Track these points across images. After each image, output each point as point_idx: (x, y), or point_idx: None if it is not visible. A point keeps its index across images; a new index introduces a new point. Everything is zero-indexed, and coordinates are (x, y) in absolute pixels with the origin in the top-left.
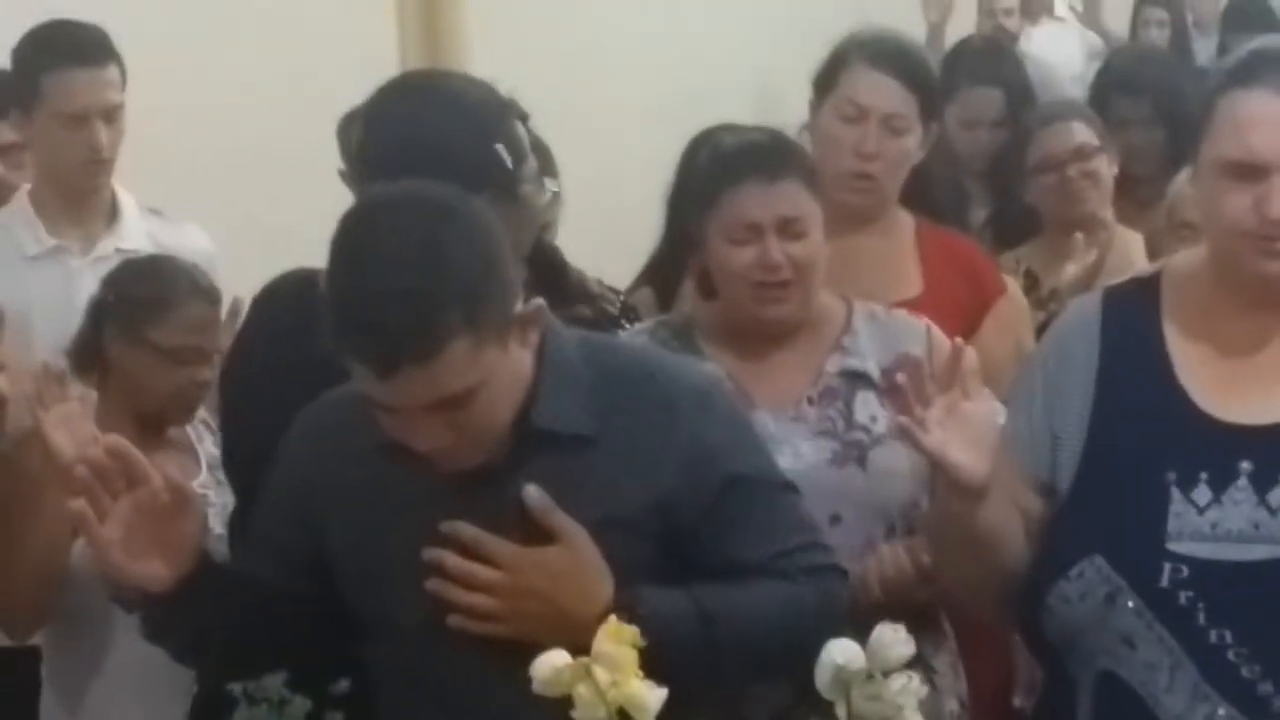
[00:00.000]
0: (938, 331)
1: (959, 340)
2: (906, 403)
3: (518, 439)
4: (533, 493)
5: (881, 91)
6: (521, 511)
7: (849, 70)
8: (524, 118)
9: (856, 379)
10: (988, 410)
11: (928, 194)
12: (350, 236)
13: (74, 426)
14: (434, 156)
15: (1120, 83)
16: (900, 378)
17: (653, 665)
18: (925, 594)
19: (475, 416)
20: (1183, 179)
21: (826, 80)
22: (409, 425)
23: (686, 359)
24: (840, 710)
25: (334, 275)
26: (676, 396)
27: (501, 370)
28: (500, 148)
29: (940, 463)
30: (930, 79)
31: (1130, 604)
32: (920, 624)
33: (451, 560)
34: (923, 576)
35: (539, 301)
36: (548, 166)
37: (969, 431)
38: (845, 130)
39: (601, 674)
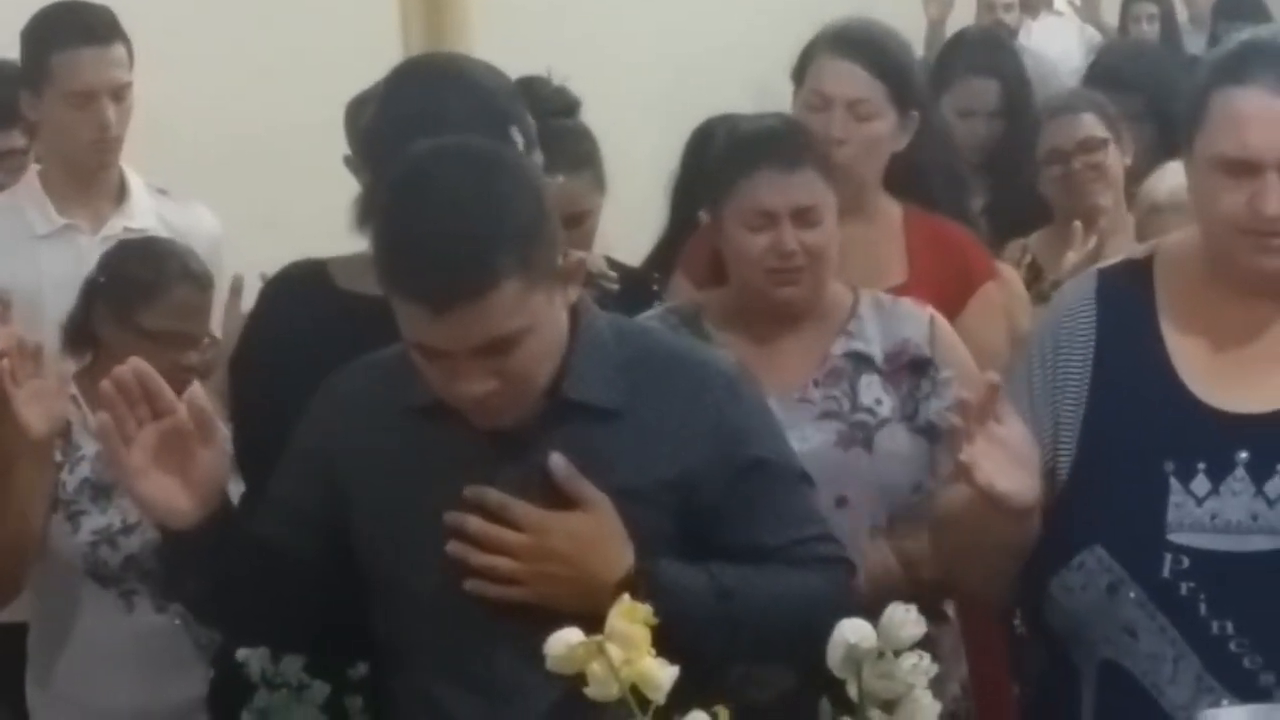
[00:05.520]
0: (941, 320)
1: (989, 374)
2: (958, 445)
3: (546, 409)
4: (557, 461)
5: (844, 78)
6: (546, 480)
7: (814, 62)
8: (575, 105)
9: (861, 361)
10: (1021, 430)
11: (922, 184)
12: (405, 181)
13: (47, 403)
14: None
15: (1111, 78)
16: (955, 419)
17: (669, 637)
18: (910, 591)
19: (520, 364)
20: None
21: (798, 75)
22: (454, 371)
23: (713, 347)
24: (851, 688)
25: (389, 218)
26: (706, 378)
27: (547, 320)
28: (515, 130)
29: (991, 495)
30: (901, 64)
31: (1132, 595)
32: (922, 607)
33: (474, 523)
34: (909, 574)
35: (581, 254)
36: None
37: (1010, 456)
38: (814, 120)
39: (614, 651)
